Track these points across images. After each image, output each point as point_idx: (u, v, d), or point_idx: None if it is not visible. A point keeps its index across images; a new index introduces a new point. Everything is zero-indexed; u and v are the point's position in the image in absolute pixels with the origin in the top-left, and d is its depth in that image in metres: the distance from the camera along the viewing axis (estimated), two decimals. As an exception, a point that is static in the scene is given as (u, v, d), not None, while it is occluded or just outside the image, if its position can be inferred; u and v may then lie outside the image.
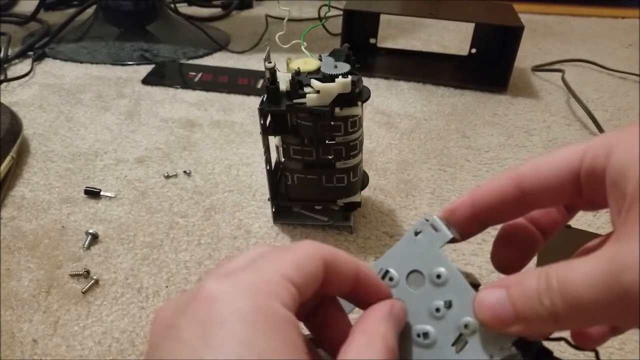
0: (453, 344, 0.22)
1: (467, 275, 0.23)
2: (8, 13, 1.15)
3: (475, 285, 0.23)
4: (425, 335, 0.22)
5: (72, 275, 0.48)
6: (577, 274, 0.17)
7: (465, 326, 0.21)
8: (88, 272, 0.48)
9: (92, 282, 0.47)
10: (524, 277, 0.19)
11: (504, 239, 0.25)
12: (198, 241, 0.53)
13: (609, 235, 0.20)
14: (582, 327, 0.23)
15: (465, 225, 0.24)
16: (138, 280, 0.48)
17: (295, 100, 0.44)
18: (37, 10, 1.07)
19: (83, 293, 0.46)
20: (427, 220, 0.24)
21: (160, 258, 0.50)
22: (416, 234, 0.24)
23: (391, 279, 0.24)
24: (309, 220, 0.54)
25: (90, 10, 1.06)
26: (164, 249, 0.51)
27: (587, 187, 0.21)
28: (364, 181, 0.53)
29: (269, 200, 0.53)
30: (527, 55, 1.02)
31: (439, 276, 0.23)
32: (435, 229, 0.23)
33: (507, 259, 0.25)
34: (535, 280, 0.18)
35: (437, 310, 0.22)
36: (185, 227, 0.54)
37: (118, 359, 0.41)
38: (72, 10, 1.09)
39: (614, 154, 0.18)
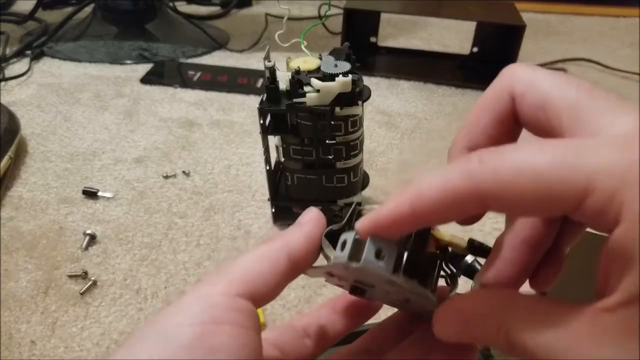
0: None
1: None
2: (6, 12, 1.15)
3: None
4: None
5: (70, 276, 0.47)
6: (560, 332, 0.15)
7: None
8: (86, 272, 0.48)
9: (90, 283, 0.46)
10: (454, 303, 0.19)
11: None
12: (197, 242, 0.52)
13: None
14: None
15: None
16: (136, 281, 0.47)
17: (295, 100, 0.44)
18: (35, 9, 1.07)
19: (81, 294, 0.46)
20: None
21: (158, 259, 0.50)
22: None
23: None
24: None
25: (88, 9, 1.06)
26: (162, 250, 0.51)
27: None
28: (365, 181, 0.53)
29: (268, 200, 0.53)
30: (528, 54, 1.01)
31: None
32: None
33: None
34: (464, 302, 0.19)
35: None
36: (184, 228, 0.54)
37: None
38: (70, 9, 1.08)
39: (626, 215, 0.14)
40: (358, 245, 0.20)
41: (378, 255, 0.19)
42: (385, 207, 0.18)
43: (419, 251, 0.21)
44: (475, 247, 0.22)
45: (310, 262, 0.21)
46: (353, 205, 0.22)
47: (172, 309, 0.19)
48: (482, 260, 0.24)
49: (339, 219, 0.22)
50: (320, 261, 0.22)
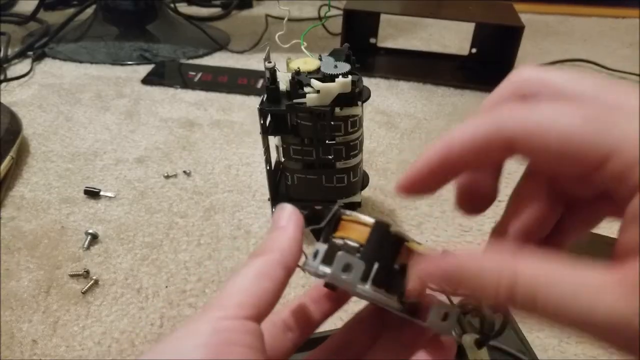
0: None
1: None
2: (8, 13, 1.15)
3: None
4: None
5: (72, 276, 0.48)
6: (582, 292, 0.15)
7: None
8: (88, 272, 0.48)
9: (92, 282, 0.47)
10: (490, 253, 0.17)
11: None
12: (198, 241, 0.52)
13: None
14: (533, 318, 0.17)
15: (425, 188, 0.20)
16: (138, 281, 0.48)
17: (295, 100, 0.44)
18: (36, 10, 1.07)
19: (83, 293, 0.46)
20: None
21: (159, 258, 0.50)
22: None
23: None
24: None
25: (89, 10, 1.06)
26: (163, 249, 0.51)
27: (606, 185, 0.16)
28: (364, 181, 0.53)
29: (269, 200, 0.53)
30: (527, 55, 1.01)
31: None
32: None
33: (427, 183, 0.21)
34: (501, 263, 0.16)
35: None
36: (184, 227, 0.54)
37: (117, 359, 0.41)
38: (71, 10, 1.08)
39: None
40: (329, 256, 0.22)
41: (346, 269, 0.21)
42: (418, 160, 0.19)
43: (389, 262, 0.22)
44: None
45: (298, 260, 0.22)
46: (335, 208, 0.23)
47: (183, 331, 0.19)
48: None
49: (318, 218, 0.23)
50: None
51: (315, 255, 0.22)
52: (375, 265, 0.21)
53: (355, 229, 0.22)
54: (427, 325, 0.22)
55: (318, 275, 0.22)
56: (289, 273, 0.22)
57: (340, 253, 0.21)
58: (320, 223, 0.23)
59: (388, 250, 0.22)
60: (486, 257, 0.17)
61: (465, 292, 0.19)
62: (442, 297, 0.24)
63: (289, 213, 0.23)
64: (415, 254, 0.23)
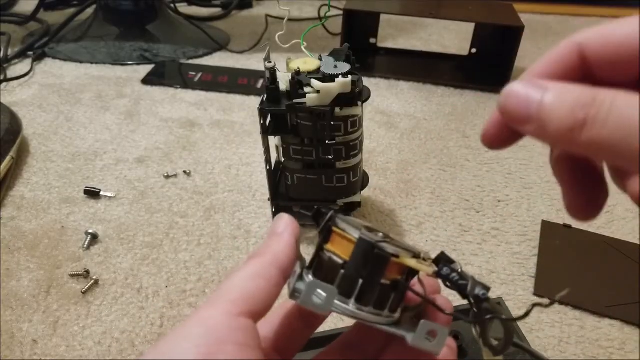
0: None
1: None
2: (8, 13, 1.15)
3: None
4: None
5: (72, 276, 0.48)
6: None
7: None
8: (88, 272, 0.48)
9: (92, 282, 0.47)
10: (569, 86, 0.17)
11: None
12: (198, 241, 0.52)
13: None
14: (597, 157, 0.19)
15: None
16: (138, 281, 0.48)
17: (295, 100, 0.44)
18: (36, 10, 1.07)
19: (83, 293, 0.46)
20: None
21: (160, 258, 0.50)
22: None
23: None
24: (309, 220, 0.54)
25: (90, 10, 1.06)
26: (163, 249, 0.51)
27: None
28: (364, 181, 0.53)
29: (269, 200, 0.53)
30: (527, 55, 1.01)
31: None
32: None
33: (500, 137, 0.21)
34: (580, 92, 0.17)
35: None
36: (185, 227, 0.54)
37: (118, 359, 0.41)
38: (71, 10, 1.08)
39: None
40: (317, 270, 0.23)
41: (318, 294, 0.21)
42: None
43: (375, 278, 0.22)
44: (443, 276, 0.23)
45: (293, 266, 0.23)
46: (328, 216, 0.23)
47: (176, 333, 0.19)
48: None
49: (322, 216, 0.24)
50: None
51: (294, 275, 0.23)
52: (359, 283, 0.22)
53: (342, 244, 0.23)
54: (411, 342, 0.21)
55: (294, 296, 0.22)
56: (284, 275, 0.22)
57: (310, 281, 0.21)
58: (320, 224, 0.24)
59: (373, 266, 0.22)
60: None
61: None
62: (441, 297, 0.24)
63: (286, 222, 0.24)
64: (405, 268, 0.23)
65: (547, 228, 0.54)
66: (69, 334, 0.42)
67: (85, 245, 0.51)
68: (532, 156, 0.68)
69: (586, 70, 0.19)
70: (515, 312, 0.45)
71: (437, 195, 0.60)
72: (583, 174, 0.21)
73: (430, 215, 0.57)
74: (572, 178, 0.21)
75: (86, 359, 0.41)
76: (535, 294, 0.47)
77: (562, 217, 0.57)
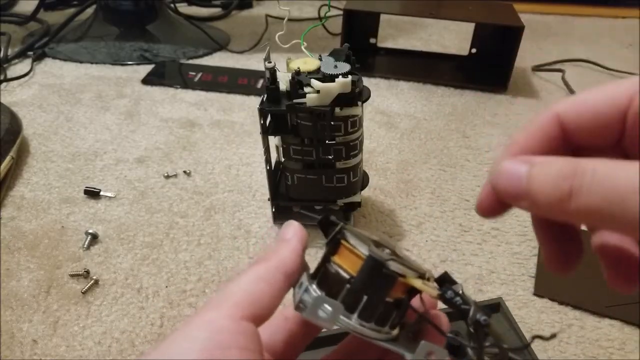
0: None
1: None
2: (8, 13, 1.15)
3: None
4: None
5: (72, 276, 0.48)
6: (625, 173, 0.16)
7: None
8: (88, 272, 0.48)
9: (92, 282, 0.47)
10: (552, 160, 0.18)
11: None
12: (198, 241, 0.52)
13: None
14: (591, 223, 0.21)
15: None
16: (138, 281, 0.48)
17: (295, 100, 0.44)
18: (36, 10, 1.07)
19: (83, 293, 0.46)
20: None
21: (160, 258, 0.50)
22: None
23: None
24: (309, 220, 0.54)
25: (90, 10, 1.06)
26: (163, 249, 0.51)
27: (630, 131, 0.19)
28: (364, 181, 0.53)
29: (269, 200, 0.53)
30: (527, 55, 1.01)
31: None
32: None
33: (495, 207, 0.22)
34: (561, 164, 0.18)
35: None
36: (185, 227, 0.54)
37: (118, 359, 0.41)
38: (71, 10, 1.08)
39: None
40: (322, 281, 0.23)
41: (324, 309, 0.21)
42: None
43: (380, 296, 0.22)
44: (447, 299, 0.23)
45: (299, 273, 0.23)
46: (338, 227, 0.24)
47: (179, 335, 0.19)
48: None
49: (330, 227, 0.24)
50: None
51: (301, 285, 0.23)
52: (364, 299, 0.22)
53: (349, 259, 0.23)
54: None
55: (299, 308, 0.22)
56: (288, 280, 0.22)
57: (316, 296, 0.22)
58: (328, 233, 0.24)
59: (380, 284, 0.22)
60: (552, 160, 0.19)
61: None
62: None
63: (294, 229, 0.24)
64: (409, 287, 0.23)
65: (547, 228, 0.54)
66: (69, 334, 0.42)
67: (85, 245, 0.51)
68: (532, 156, 0.68)
69: (568, 139, 0.21)
70: (515, 312, 0.45)
71: (437, 195, 0.60)
72: (561, 232, 0.22)
73: (430, 215, 0.57)
74: (550, 236, 0.22)
75: (86, 359, 0.41)
76: (535, 294, 0.47)
77: (562, 217, 0.57)
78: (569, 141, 0.21)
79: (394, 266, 0.22)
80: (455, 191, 0.61)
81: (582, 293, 0.46)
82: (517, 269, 0.50)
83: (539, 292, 0.47)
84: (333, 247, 0.23)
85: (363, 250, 0.22)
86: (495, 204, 0.21)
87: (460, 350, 0.24)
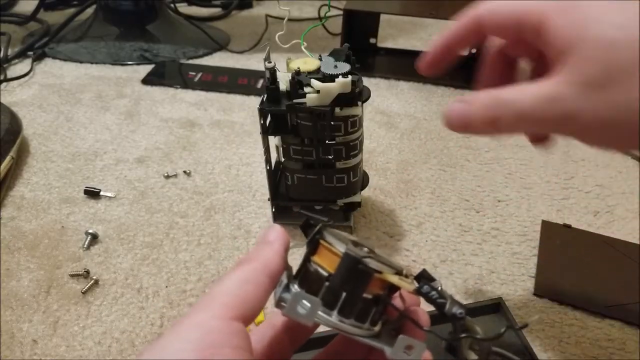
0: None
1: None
2: (8, 13, 1.15)
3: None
4: None
5: (72, 276, 0.48)
6: (524, 95, 0.25)
7: None
8: (88, 272, 0.48)
9: (92, 282, 0.47)
10: (480, 96, 0.27)
11: (489, 65, 0.34)
12: (198, 241, 0.52)
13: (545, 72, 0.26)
14: (517, 132, 0.29)
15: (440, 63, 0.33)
16: (138, 281, 0.48)
17: (295, 100, 0.44)
18: (36, 10, 1.07)
19: (83, 293, 0.46)
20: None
21: (160, 258, 0.50)
22: None
23: None
24: (312, 221, 0.54)
25: (90, 10, 1.06)
26: (163, 249, 0.51)
27: (530, 35, 0.27)
28: (364, 181, 0.53)
29: (269, 200, 0.53)
30: (527, 55, 1.01)
31: None
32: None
33: (437, 64, 0.34)
34: (488, 98, 0.27)
35: None
36: (185, 227, 0.54)
37: (118, 359, 0.41)
38: (71, 10, 1.08)
39: (552, 20, 0.25)
40: (303, 281, 0.23)
41: (303, 305, 0.22)
42: (430, 47, 0.32)
43: (358, 292, 0.23)
44: (423, 293, 0.24)
45: (281, 273, 0.24)
46: (316, 228, 0.24)
47: (170, 336, 0.19)
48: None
49: (310, 227, 0.25)
50: None
51: (280, 284, 0.23)
52: (342, 295, 0.22)
53: (328, 257, 0.23)
54: (389, 356, 0.22)
55: (279, 305, 0.23)
56: (273, 281, 0.22)
57: (295, 292, 0.22)
58: (308, 234, 0.24)
59: (357, 280, 0.23)
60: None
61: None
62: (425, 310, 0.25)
63: (277, 231, 0.25)
64: (387, 284, 0.23)
65: (547, 228, 0.54)
66: (69, 334, 0.42)
67: (85, 245, 0.51)
68: (532, 156, 0.68)
69: (479, 33, 0.29)
70: (515, 312, 0.45)
71: (437, 195, 0.60)
72: (502, 75, 0.33)
73: (430, 215, 0.57)
74: (496, 73, 0.33)
75: (86, 359, 0.41)
76: (535, 294, 0.47)
77: (562, 217, 0.57)
78: (506, 53, 0.31)
79: (370, 263, 0.22)
80: (455, 191, 0.61)
81: (582, 293, 0.46)
82: (517, 269, 0.50)
83: (539, 292, 0.47)
84: (313, 247, 0.24)
85: (340, 248, 0.23)
86: (438, 64, 0.33)
87: (452, 348, 0.25)
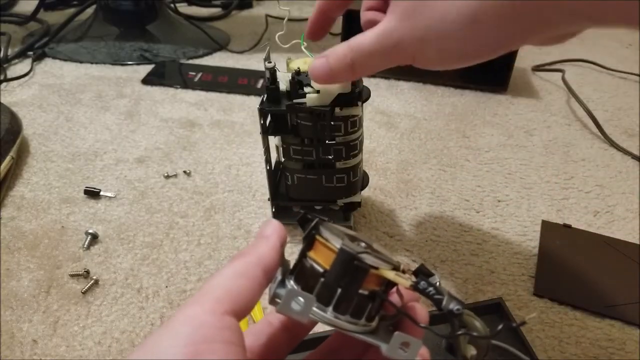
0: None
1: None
2: (8, 13, 1.15)
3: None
4: None
5: (72, 275, 0.48)
6: (366, 36, 0.31)
7: None
8: (88, 272, 0.48)
9: (92, 282, 0.47)
10: (336, 48, 0.32)
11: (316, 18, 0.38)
12: (198, 241, 0.53)
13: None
14: (371, 70, 0.33)
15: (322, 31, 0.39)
16: (138, 281, 0.48)
17: (295, 100, 0.44)
18: (36, 10, 1.07)
19: (83, 293, 0.46)
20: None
21: (160, 258, 0.50)
22: None
23: None
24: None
25: (90, 10, 1.06)
26: (163, 249, 0.51)
27: None
28: (364, 181, 0.53)
29: (269, 200, 0.53)
30: (527, 55, 1.02)
31: None
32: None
33: (318, 31, 0.39)
34: (341, 48, 0.32)
35: None
36: (185, 227, 0.54)
37: (118, 359, 0.41)
38: (71, 10, 1.08)
39: None
40: (299, 277, 0.23)
41: (297, 302, 0.21)
42: (309, 21, 0.39)
43: (354, 288, 0.23)
44: (420, 289, 0.23)
45: (277, 267, 0.23)
46: (312, 223, 0.24)
47: (163, 331, 0.19)
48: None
49: (308, 222, 0.24)
50: None
51: (275, 280, 0.23)
52: (338, 292, 0.22)
53: (323, 253, 0.23)
54: (385, 352, 0.22)
55: (274, 302, 0.22)
56: (267, 276, 0.22)
57: (289, 288, 0.22)
58: (305, 229, 0.24)
59: (352, 276, 0.22)
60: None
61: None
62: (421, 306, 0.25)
63: (274, 226, 0.24)
64: (384, 279, 0.23)
65: (547, 228, 0.54)
66: (69, 334, 0.42)
67: (85, 245, 0.51)
68: (532, 156, 0.68)
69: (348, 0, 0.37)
70: (515, 312, 0.45)
71: (437, 195, 0.60)
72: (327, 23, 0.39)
73: (430, 215, 0.57)
74: (325, 17, 0.38)
75: (86, 359, 0.41)
76: (535, 294, 0.47)
77: (562, 217, 0.57)
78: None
79: (366, 258, 0.22)
80: (455, 191, 0.61)
81: (582, 293, 0.46)
82: (517, 269, 0.50)
83: (539, 292, 0.47)
84: (309, 242, 0.24)
85: (336, 244, 0.22)
86: (319, 31, 0.39)
87: (452, 348, 0.24)
